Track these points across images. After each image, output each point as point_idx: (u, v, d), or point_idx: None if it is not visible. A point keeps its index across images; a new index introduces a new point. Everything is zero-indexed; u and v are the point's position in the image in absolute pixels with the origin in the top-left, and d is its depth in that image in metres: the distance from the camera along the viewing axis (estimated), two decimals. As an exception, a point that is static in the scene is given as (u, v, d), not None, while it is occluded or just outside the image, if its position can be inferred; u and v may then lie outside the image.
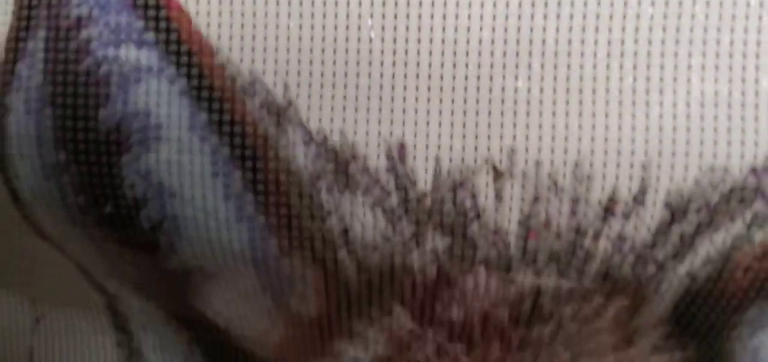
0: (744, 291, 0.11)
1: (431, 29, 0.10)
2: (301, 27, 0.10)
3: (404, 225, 0.11)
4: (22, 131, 0.11)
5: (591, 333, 0.12)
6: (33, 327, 0.15)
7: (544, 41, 0.10)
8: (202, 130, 0.11)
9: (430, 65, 0.10)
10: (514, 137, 0.10)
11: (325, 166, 0.10)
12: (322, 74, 0.10)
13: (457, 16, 0.10)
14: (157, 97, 0.11)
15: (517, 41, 0.10)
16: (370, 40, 0.10)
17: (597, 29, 0.10)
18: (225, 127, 0.10)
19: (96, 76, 0.11)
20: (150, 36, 0.10)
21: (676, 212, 0.10)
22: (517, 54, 0.10)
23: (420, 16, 0.10)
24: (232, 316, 0.13)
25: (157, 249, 0.12)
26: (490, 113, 0.10)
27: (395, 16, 0.10)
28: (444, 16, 0.10)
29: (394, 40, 0.10)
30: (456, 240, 0.11)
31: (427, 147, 0.10)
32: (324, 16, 0.10)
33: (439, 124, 0.10)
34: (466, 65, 0.10)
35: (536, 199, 0.10)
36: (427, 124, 0.10)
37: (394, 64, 0.10)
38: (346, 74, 0.10)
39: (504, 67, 0.10)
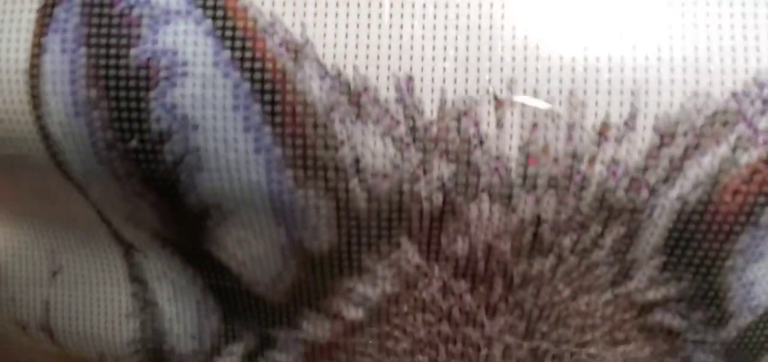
0: (734, 215, 0.11)
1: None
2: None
3: (412, 152, 0.11)
4: (57, 69, 0.12)
5: (590, 267, 0.13)
6: (50, 280, 0.15)
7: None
8: (225, 66, 0.11)
9: (435, 6, 0.11)
10: (513, 69, 0.11)
11: (339, 98, 0.11)
12: (336, 15, 0.11)
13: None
14: (184, 37, 0.11)
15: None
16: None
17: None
18: (246, 63, 0.11)
19: (129, 17, 0.12)
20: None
21: (664, 136, 0.11)
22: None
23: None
24: (246, 259, 0.14)
25: (177, 185, 0.12)
26: (490, 48, 0.11)
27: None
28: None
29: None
30: (460, 167, 0.11)
31: (432, 80, 0.11)
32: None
33: (444, 59, 0.11)
34: (468, 5, 0.11)
35: (535, 126, 0.11)
36: (433, 59, 0.11)
37: (402, 4, 0.11)
38: (358, 14, 0.11)
39: (503, 6, 0.11)
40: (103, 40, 0.12)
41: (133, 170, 0.12)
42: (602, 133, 0.11)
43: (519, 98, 0.11)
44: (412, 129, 0.11)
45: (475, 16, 0.11)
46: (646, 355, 0.15)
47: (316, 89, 0.11)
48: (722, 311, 0.13)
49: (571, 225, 0.12)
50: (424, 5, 0.11)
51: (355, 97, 0.11)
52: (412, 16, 0.11)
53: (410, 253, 0.13)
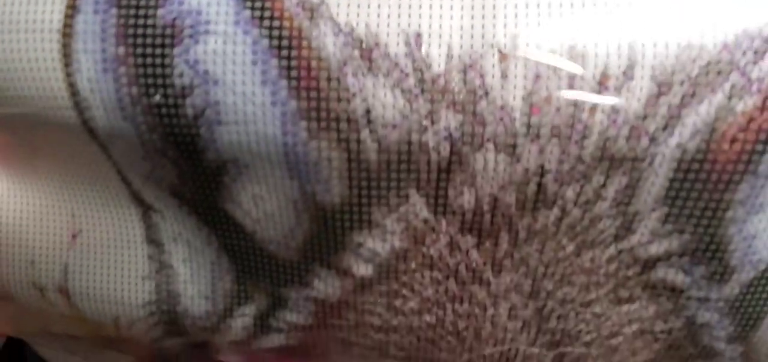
0: (733, 163, 0.12)
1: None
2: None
3: (420, 103, 0.12)
4: (89, 29, 0.12)
5: (593, 220, 0.13)
6: (69, 244, 0.16)
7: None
8: (245, 24, 0.12)
9: (442, -34, 0.12)
10: (516, 25, 0.11)
11: (351, 53, 0.12)
12: (349, -24, 0.12)
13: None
14: (208, -3, 0.12)
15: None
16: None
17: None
18: (265, 22, 0.12)
19: (156, -20, 0.12)
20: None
21: (662, 85, 0.11)
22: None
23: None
24: (260, 216, 0.14)
25: (197, 140, 0.13)
26: (494, 6, 0.12)
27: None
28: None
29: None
30: (467, 117, 0.12)
31: (440, 35, 0.12)
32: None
33: (451, 16, 0.12)
34: (473, -35, 0.12)
35: (537, 77, 0.11)
36: (440, 16, 0.12)
37: (411, -35, 0.12)
38: (370, -25, 0.12)
39: (506, -33, 0.12)
40: (133, 1, 0.12)
41: (156, 125, 0.13)
42: (602, 83, 0.11)
43: (522, 51, 0.11)
44: (421, 81, 0.12)
45: (479, -25, 0.12)
46: (651, 315, 0.15)
47: (330, 45, 0.12)
48: (724, 265, 0.13)
49: (574, 176, 0.12)
50: (432, -34, 0.12)
51: (367, 52, 0.12)
52: (421, -24, 0.12)
53: (418, 206, 0.13)
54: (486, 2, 0.12)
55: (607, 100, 0.11)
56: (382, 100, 0.12)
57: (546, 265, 0.14)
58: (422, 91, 0.12)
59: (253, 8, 0.12)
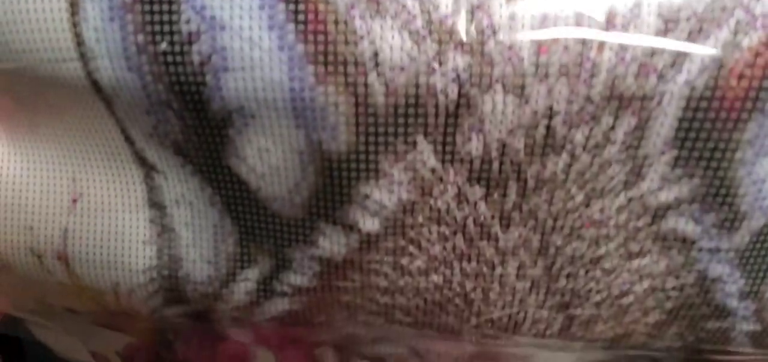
0: (740, 101, 0.11)
1: None
2: None
3: (428, 44, 0.12)
4: (96, -23, 0.13)
5: (602, 166, 0.13)
6: (70, 208, 0.16)
7: None
8: (252, -31, 0.12)
9: None
10: (523, -34, 0.12)
11: (359, -4, 0.12)
12: None
13: None
14: (215, -56, 0.12)
15: None
16: None
17: None
18: (272, -33, 0.12)
19: (164, -71, 0.12)
20: None
21: (668, 21, 0.11)
22: None
23: None
24: (265, 171, 0.14)
25: (203, 89, 0.13)
26: (500, -51, 0.12)
27: None
28: None
29: None
30: (474, 58, 0.12)
31: (447, -22, 0.12)
32: None
33: (457, -41, 0.12)
34: None
35: (544, 16, 0.11)
36: (447, -41, 0.12)
37: None
38: None
39: None
40: (140, -51, 0.13)
41: (161, 74, 0.13)
42: (609, 20, 0.11)
43: (529, -9, 0.12)
44: (428, 22, 0.12)
45: None
46: (662, 270, 0.14)
47: (337, -12, 0.12)
48: (734, 212, 0.13)
49: (582, 117, 0.12)
50: None
51: (374, -5, 0.12)
52: None
53: (426, 154, 0.13)
54: (492, -55, 0.12)
55: (614, 37, 0.11)
56: (390, 42, 0.12)
57: (555, 218, 0.14)
58: (430, 32, 0.12)
59: (260, -46, 0.12)
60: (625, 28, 0.11)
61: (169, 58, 0.13)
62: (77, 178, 0.16)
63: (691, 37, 0.11)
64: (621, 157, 0.13)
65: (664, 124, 0.12)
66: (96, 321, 0.18)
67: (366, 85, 0.12)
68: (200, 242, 0.16)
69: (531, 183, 0.13)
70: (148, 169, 0.15)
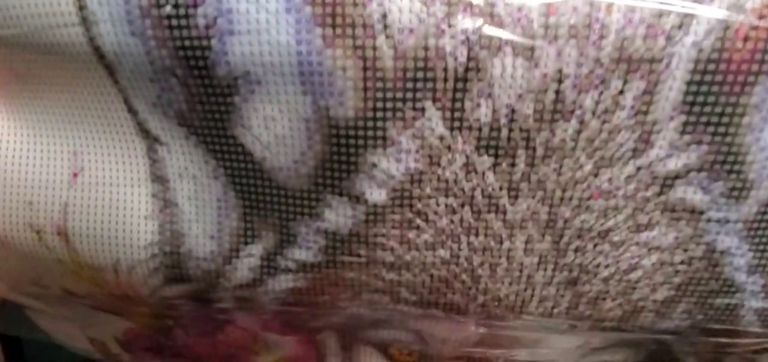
0: (747, 63, 0.11)
1: None
2: None
3: (437, 6, 0.12)
4: (102, -60, 0.12)
5: (612, 132, 0.13)
6: (70, 182, 0.15)
7: None
8: (260, -67, 0.12)
9: None
10: (531, -70, 0.12)
11: (367, -40, 0.12)
12: None
13: None
14: None
15: None
16: None
17: None
18: (280, -70, 0.12)
19: None
20: None
21: (676, -18, 0.11)
22: None
23: None
24: (271, 140, 0.14)
25: (208, 54, 0.13)
26: None
27: None
28: None
29: None
30: (484, 19, 0.12)
31: (455, -58, 0.12)
32: None
33: (466, -76, 0.12)
34: None
35: (553, -21, 0.12)
36: (456, -76, 0.12)
37: None
38: None
39: None
40: None
41: (166, 39, 0.13)
42: (617, -18, 0.11)
43: (537, -46, 0.12)
44: (438, -16, 0.12)
45: None
46: (670, 243, 0.14)
47: (345, -49, 0.12)
48: (742, 180, 0.13)
49: (592, 80, 0.12)
50: None
51: (383, -42, 0.12)
52: None
53: (434, 121, 0.13)
54: None
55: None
56: (399, 3, 0.12)
57: (563, 188, 0.14)
58: (439, -6, 0.12)
59: None
60: (633, -11, 0.12)
61: (174, 22, 0.13)
62: (78, 153, 0.15)
63: (698, -1, 0.12)
64: (630, 122, 0.13)
65: (673, 87, 0.12)
66: (94, 305, 0.18)
67: (374, 48, 0.12)
68: (203, 216, 0.15)
69: (540, 151, 0.13)
70: (151, 141, 0.15)
